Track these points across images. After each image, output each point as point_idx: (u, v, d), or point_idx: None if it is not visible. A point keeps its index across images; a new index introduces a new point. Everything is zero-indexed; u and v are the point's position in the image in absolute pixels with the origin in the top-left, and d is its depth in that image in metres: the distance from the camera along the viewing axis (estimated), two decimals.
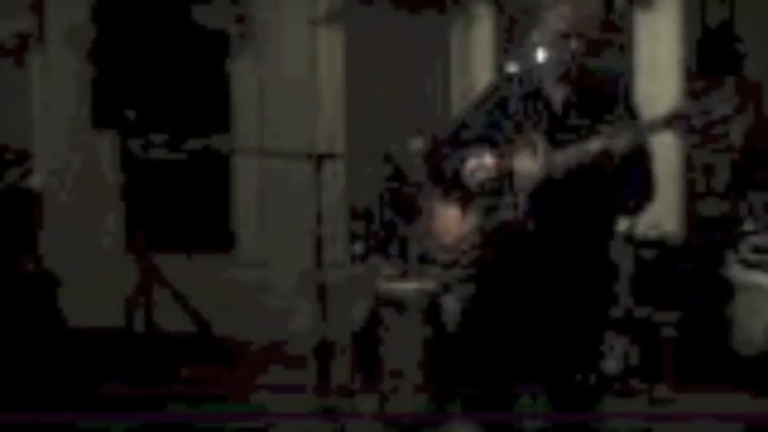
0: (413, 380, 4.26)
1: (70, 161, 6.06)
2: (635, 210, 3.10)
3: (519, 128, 3.05)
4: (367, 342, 4.47)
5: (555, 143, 2.98)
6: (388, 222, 4.82)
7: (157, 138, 5.35)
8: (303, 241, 4.99)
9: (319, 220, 4.45)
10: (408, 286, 4.42)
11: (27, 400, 4.39)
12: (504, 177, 3.04)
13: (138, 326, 4.97)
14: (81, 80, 5.56)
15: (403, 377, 4.27)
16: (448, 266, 4.30)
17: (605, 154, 2.84)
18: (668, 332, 4.82)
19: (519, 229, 3.02)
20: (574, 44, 2.97)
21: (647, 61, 5.52)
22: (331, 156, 4.82)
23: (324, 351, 4.55)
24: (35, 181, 5.25)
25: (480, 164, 3.07)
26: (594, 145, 2.86)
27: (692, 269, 5.04)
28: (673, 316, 4.86)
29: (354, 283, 4.66)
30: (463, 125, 3.26)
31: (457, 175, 3.17)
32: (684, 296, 4.96)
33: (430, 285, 4.37)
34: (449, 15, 5.87)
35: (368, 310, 4.50)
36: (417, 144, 4.76)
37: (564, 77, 3.03)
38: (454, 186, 3.21)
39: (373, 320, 4.42)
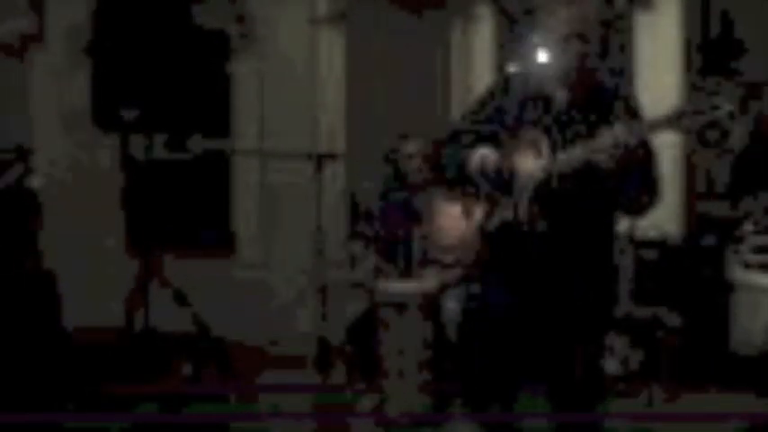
0: (413, 380, 4.26)
1: (70, 161, 6.05)
2: (639, 210, 3.09)
3: (520, 128, 3.05)
4: (361, 338, 4.47)
5: (557, 143, 2.98)
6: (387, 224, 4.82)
7: (158, 138, 5.34)
8: (303, 241, 5.00)
9: (319, 220, 4.46)
10: (408, 286, 4.42)
11: (27, 400, 4.38)
12: (508, 177, 3.04)
13: (138, 326, 4.96)
14: (81, 80, 5.55)
15: (403, 377, 4.26)
16: (448, 266, 4.31)
17: (607, 154, 2.84)
18: (668, 332, 4.83)
19: (521, 228, 3.02)
20: (575, 45, 2.97)
21: (647, 61, 5.52)
22: (331, 156, 4.83)
23: (324, 351, 4.55)
24: (35, 181, 5.24)
25: (487, 163, 3.08)
26: (596, 145, 2.86)
27: (692, 269, 5.04)
28: (673, 316, 4.87)
29: (354, 283, 4.66)
30: (464, 125, 3.26)
31: (458, 175, 3.17)
32: (684, 296, 4.96)
33: (430, 285, 4.37)
34: (449, 15, 5.87)
35: (363, 307, 4.51)
36: (411, 147, 4.73)
37: (565, 78, 3.02)
38: (455, 187, 3.21)
39: (371, 320, 4.42)
